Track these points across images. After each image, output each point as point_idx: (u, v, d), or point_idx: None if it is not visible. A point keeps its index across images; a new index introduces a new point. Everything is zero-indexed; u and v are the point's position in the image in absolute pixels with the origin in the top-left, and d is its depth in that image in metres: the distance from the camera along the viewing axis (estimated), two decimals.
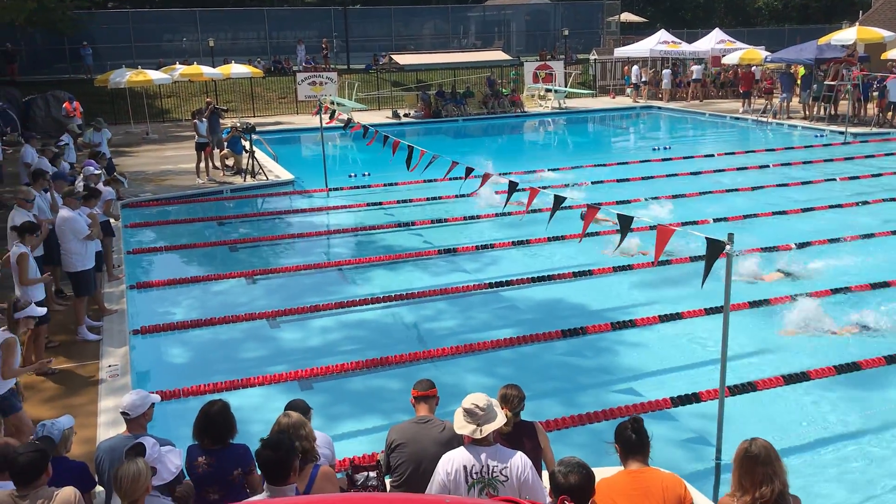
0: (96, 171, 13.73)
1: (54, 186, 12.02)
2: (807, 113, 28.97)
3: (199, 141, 19.91)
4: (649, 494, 4.68)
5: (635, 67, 35.86)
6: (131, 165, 22.12)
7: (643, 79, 35.61)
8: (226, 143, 20.73)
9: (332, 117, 19.17)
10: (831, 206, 16.60)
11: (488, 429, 4.94)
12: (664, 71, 35.48)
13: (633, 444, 4.86)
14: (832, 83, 28.22)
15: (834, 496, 7.09)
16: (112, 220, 13.04)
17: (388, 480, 5.64)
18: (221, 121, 21.68)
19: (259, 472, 4.87)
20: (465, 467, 4.85)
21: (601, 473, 6.26)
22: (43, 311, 8.08)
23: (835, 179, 19.23)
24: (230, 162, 20.77)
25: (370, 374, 9.48)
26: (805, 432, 8.11)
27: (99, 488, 5.77)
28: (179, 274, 13.16)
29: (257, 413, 8.16)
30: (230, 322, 10.99)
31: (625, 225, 7.86)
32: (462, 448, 4.99)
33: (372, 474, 5.44)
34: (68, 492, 4.75)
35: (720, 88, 36.56)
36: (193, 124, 20.46)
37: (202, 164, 19.97)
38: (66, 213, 10.30)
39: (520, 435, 5.59)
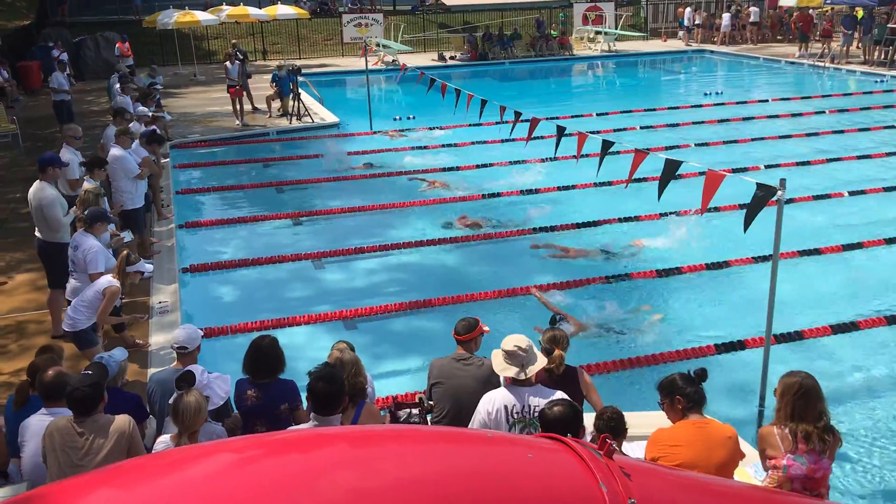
0: (148, 113, 13.95)
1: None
2: (867, 58, 27.90)
3: (228, 84, 19.98)
4: (716, 445, 4.68)
5: (688, 10, 34.79)
6: (179, 107, 22.31)
7: (696, 21, 34.56)
8: (274, 86, 20.71)
9: (378, 58, 18.95)
10: (889, 154, 16.12)
11: (532, 370, 4.97)
12: (724, 14, 34.30)
13: (699, 397, 4.83)
14: (895, 26, 27.08)
15: (875, 448, 7.03)
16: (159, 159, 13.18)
17: (429, 418, 5.73)
18: (247, 62, 21.56)
19: (306, 405, 4.98)
20: (506, 407, 4.90)
21: (646, 417, 6.31)
22: (151, 267, 8.27)
23: (895, 126, 18.61)
24: (276, 104, 20.80)
25: (413, 315, 9.58)
26: (851, 383, 8.02)
27: (151, 419, 5.96)
28: (227, 214, 13.35)
29: (302, 351, 8.31)
30: (276, 262, 11.15)
31: (670, 170, 7.70)
32: (503, 388, 5.04)
33: (414, 411, 5.52)
34: (123, 419, 4.92)
35: (778, 32, 35.32)
36: (224, 67, 20.51)
37: (237, 108, 19.99)
38: (118, 151, 10.44)
39: (567, 378, 5.62)
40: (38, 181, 8.96)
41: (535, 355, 5.08)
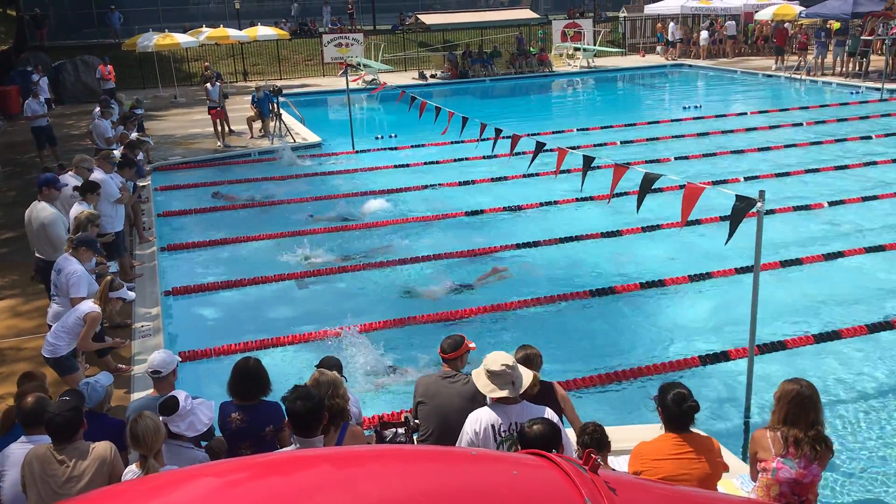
0: (133, 135, 14.01)
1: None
2: (841, 69, 28.26)
3: (209, 105, 20.06)
4: (698, 457, 4.68)
5: (672, 24, 35.04)
6: (160, 129, 22.24)
7: (679, 36, 34.83)
8: (254, 107, 20.73)
9: (356, 69, 19.02)
10: (866, 164, 16.31)
11: (525, 385, 4.96)
12: (702, 33, 34.66)
13: (681, 422, 4.77)
14: (869, 38, 27.48)
15: (861, 456, 7.06)
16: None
17: (415, 437, 5.70)
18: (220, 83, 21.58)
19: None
20: (493, 426, 4.87)
21: (631, 431, 6.31)
22: (133, 294, 8.22)
23: (871, 137, 18.84)
24: (257, 125, 20.79)
25: (398, 333, 9.54)
26: (835, 392, 8.06)
27: None
28: (209, 236, 13.27)
29: (287, 372, 8.26)
30: (259, 283, 11.10)
31: (647, 183, 7.77)
32: (488, 407, 5.01)
33: (400, 431, 5.50)
34: (105, 446, 4.86)
35: (753, 45, 35.71)
36: (205, 89, 20.54)
37: (219, 129, 20.02)
38: (99, 175, 10.42)
39: (544, 395, 5.61)
40: (36, 201, 9.18)
41: (521, 372, 5.06)
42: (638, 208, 7.92)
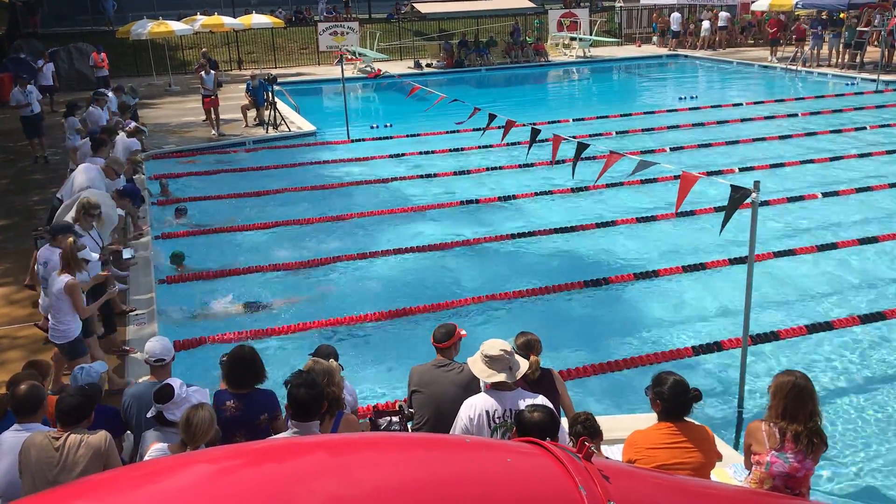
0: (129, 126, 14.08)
1: None
2: (837, 60, 28.24)
3: (203, 94, 20.01)
4: (692, 446, 4.69)
5: (677, 14, 34.80)
6: (154, 117, 22.14)
7: (677, 27, 34.68)
8: (248, 96, 20.66)
9: (353, 56, 18.93)
10: (860, 156, 16.33)
11: (521, 371, 4.98)
12: (703, 23, 34.54)
13: (677, 410, 4.78)
14: (864, 29, 27.45)
15: (853, 447, 7.10)
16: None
17: (409, 425, 5.72)
18: (215, 71, 21.47)
19: (285, 411, 4.94)
20: (487, 412, 4.88)
21: (624, 421, 6.34)
22: (96, 255, 8.21)
23: (865, 128, 18.85)
24: (252, 113, 20.71)
25: (393, 323, 9.55)
26: (827, 382, 8.10)
27: (127, 433, 5.90)
28: (203, 225, 13.24)
29: (281, 361, 8.25)
30: (253, 272, 11.08)
31: (640, 167, 7.86)
32: (483, 393, 5.02)
33: (395, 419, 5.51)
34: (100, 435, 4.86)
35: (747, 35, 35.64)
36: (199, 77, 20.46)
37: (212, 117, 19.95)
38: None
39: (542, 381, 5.63)
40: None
41: (518, 359, 5.07)
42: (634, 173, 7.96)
